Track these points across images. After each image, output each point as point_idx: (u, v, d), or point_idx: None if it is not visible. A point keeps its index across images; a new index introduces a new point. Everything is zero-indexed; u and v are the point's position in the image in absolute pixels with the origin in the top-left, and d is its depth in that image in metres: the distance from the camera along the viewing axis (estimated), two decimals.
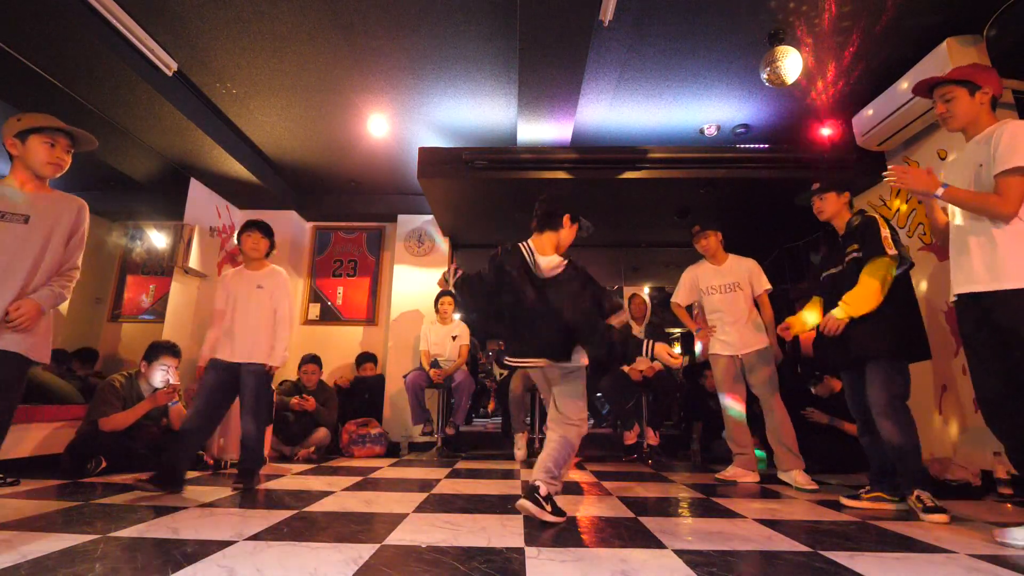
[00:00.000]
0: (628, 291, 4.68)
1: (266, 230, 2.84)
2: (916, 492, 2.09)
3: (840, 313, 2.25)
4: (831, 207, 2.53)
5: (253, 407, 2.63)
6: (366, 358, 4.82)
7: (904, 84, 3.09)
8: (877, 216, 2.35)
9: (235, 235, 2.66)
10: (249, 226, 2.80)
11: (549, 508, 1.86)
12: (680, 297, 3.53)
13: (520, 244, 2.16)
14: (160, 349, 3.20)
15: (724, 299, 3.28)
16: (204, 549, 1.49)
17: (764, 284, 3.24)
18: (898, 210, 3.59)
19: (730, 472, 3.08)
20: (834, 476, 3.19)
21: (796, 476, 2.81)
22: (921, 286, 3.26)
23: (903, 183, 1.91)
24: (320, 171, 4.82)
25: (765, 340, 3.13)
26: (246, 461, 2.61)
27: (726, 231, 3.40)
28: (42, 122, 1.80)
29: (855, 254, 2.35)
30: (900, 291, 2.27)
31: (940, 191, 1.82)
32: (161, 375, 3.15)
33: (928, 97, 2.06)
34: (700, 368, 4.51)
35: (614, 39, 2.99)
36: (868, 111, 3.41)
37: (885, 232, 2.26)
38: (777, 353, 3.16)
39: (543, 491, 1.88)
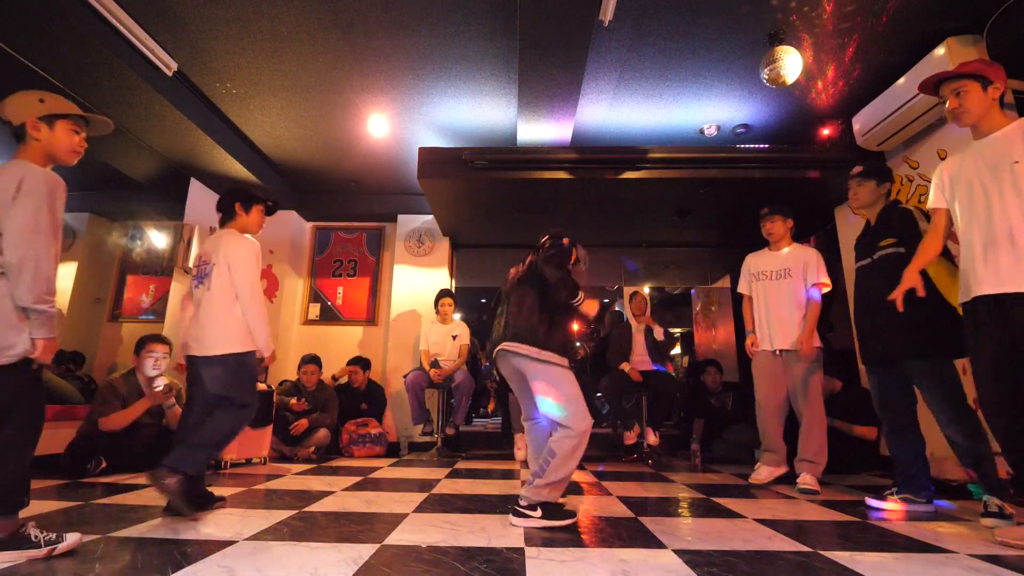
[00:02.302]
0: (628, 291, 4.68)
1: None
2: (986, 498, 1.97)
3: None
4: (867, 196, 2.44)
5: None
6: (353, 362, 4.52)
7: (904, 84, 3.09)
8: (912, 208, 2.27)
9: (243, 203, 2.30)
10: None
11: (538, 513, 1.86)
12: (741, 285, 3.29)
13: None
14: (146, 339, 3.23)
15: (772, 286, 3.07)
16: (204, 549, 1.49)
17: (821, 277, 2.95)
18: None
19: (764, 473, 2.93)
20: (834, 476, 3.19)
21: (802, 476, 2.72)
22: None
23: None
24: (320, 171, 4.82)
25: (811, 339, 2.87)
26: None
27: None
28: (70, 108, 1.66)
29: (892, 249, 2.25)
30: (932, 286, 2.16)
31: None
32: (151, 363, 3.16)
33: (933, 94, 2.02)
34: (702, 365, 4.51)
35: (614, 39, 2.99)
36: (868, 111, 3.41)
37: (924, 225, 2.19)
38: (810, 349, 2.82)
39: (524, 501, 1.90)
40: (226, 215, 2.28)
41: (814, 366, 2.88)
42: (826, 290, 2.98)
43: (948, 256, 2.21)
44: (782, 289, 3.03)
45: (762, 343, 3.08)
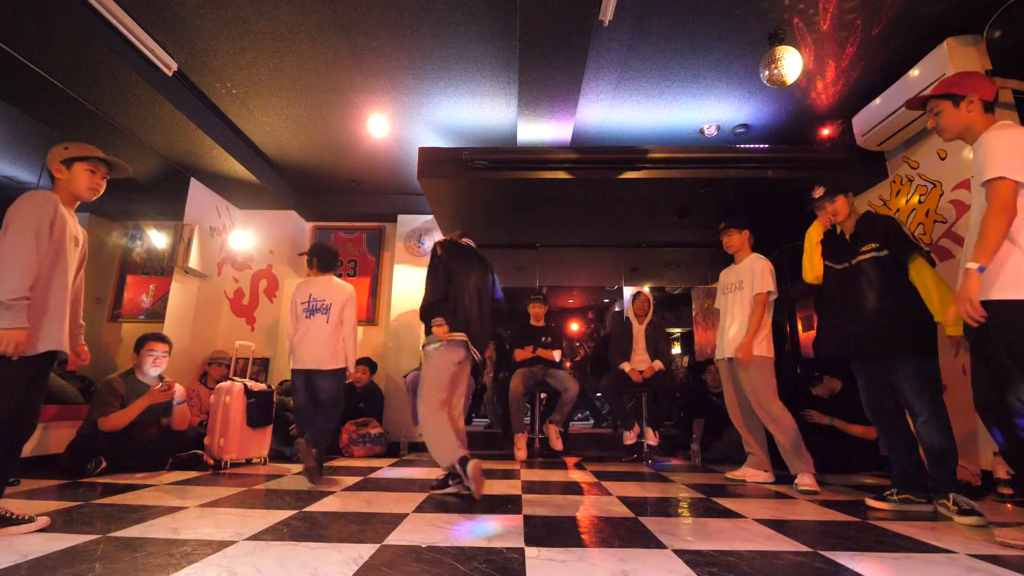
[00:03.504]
0: (629, 291, 4.67)
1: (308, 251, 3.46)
2: (952, 496, 2.05)
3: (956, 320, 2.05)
4: (845, 207, 2.56)
5: None
6: (363, 362, 4.59)
7: (904, 84, 3.09)
8: (891, 213, 2.39)
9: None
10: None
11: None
12: (717, 301, 3.46)
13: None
14: (146, 337, 3.25)
15: (729, 299, 3.24)
16: (204, 549, 1.49)
17: (763, 286, 3.05)
18: (898, 210, 3.59)
19: (740, 471, 3.06)
20: (834, 476, 3.19)
21: (800, 478, 2.74)
22: None
23: (969, 314, 1.73)
24: (320, 171, 4.82)
25: (750, 346, 2.98)
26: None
27: (718, 236, 3.38)
28: (87, 152, 1.97)
29: (875, 253, 2.36)
30: (912, 287, 2.29)
31: (974, 268, 1.72)
32: (150, 361, 3.17)
33: (922, 110, 2.09)
34: (704, 364, 4.50)
35: (614, 39, 2.99)
36: (868, 111, 3.41)
37: (907, 229, 2.30)
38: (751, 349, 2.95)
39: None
40: (329, 267, 3.22)
41: (757, 373, 2.96)
42: (772, 297, 3.08)
43: (931, 261, 2.33)
44: (736, 301, 3.18)
45: (718, 352, 3.26)
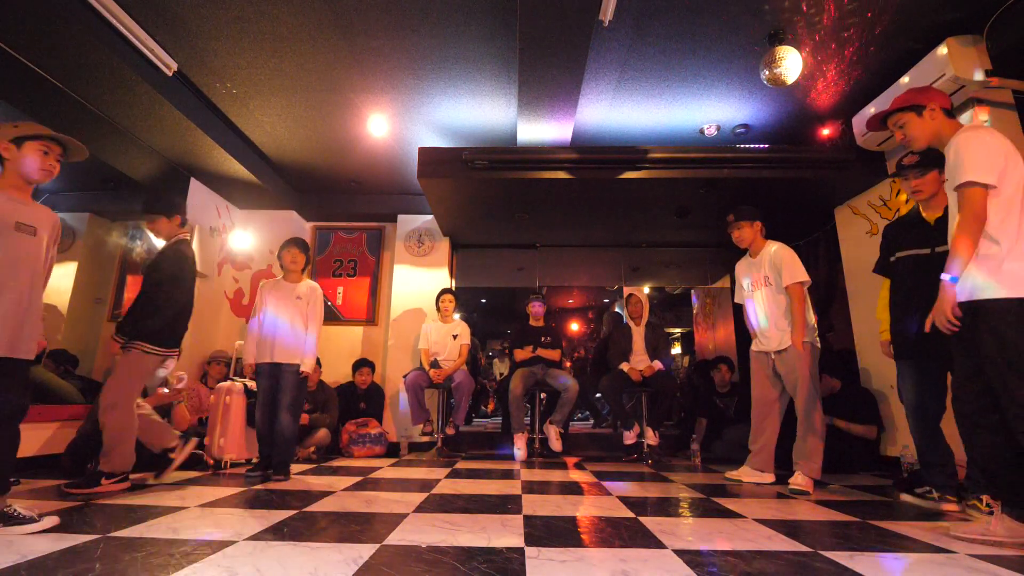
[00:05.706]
0: (628, 291, 4.67)
1: (303, 247, 3.24)
2: (984, 497, 2.02)
3: None
4: (933, 186, 2.36)
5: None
6: (363, 364, 4.65)
7: (905, 84, 3.09)
8: (891, 213, 2.37)
9: (278, 252, 3.24)
10: (288, 243, 3.21)
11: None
12: (736, 295, 3.34)
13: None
14: None
15: (758, 295, 3.10)
16: (204, 549, 1.49)
17: (796, 275, 2.91)
18: (898, 210, 3.59)
19: (739, 471, 3.03)
20: (835, 477, 3.19)
21: (796, 476, 2.73)
22: None
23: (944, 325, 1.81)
24: (320, 171, 4.82)
25: (802, 338, 2.86)
26: (281, 454, 2.89)
27: (726, 231, 3.31)
28: (38, 130, 1.85)
29: None
30: None
31: (946, 279, 1.80)
32: (161, 369, 3.16)
33: (883, 129, 2.15)
34: (714, 362, 4.48)
35: (614, 39, 2.99)
36: (868, 111, 3.41)
37: None
38: (803, 351, 2.82)
39: None
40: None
41: (801, 362, 2.84)
42: (806, 286, 2.95)
43: None
44: (767, 297, 3.06)
45: (756, 345, 3.15)
